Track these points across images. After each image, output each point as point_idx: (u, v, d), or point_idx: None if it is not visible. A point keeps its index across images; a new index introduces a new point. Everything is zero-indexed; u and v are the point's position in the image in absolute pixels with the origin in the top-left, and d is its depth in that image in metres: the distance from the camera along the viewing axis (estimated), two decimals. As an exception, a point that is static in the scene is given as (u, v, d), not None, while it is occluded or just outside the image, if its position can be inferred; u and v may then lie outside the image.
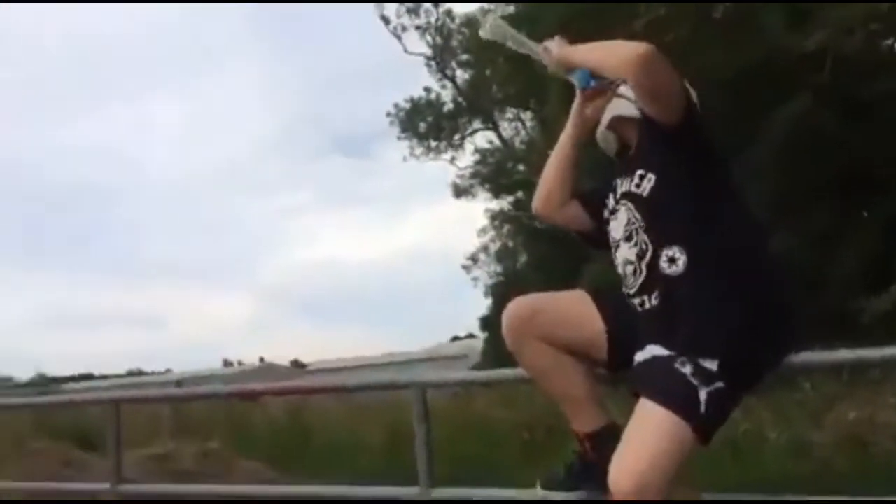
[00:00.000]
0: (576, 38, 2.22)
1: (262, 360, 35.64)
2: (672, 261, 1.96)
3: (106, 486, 3.07)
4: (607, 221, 2.17)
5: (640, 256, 2.02)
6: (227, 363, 38.00)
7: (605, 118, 2.18)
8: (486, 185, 22.73)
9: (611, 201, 2.17)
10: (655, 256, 1.98)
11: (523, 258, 20.55)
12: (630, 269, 2.06)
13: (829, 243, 8.35)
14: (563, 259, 11.64)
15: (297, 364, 35.78)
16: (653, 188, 2.00)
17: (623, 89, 2.14)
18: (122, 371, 42.82)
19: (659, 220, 1.99)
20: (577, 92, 2.17)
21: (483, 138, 24.35)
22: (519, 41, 2.27)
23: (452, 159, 25.06)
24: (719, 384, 1.88)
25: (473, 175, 23.77)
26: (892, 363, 2.05)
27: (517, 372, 2.46)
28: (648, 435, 1.87)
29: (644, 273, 2.01)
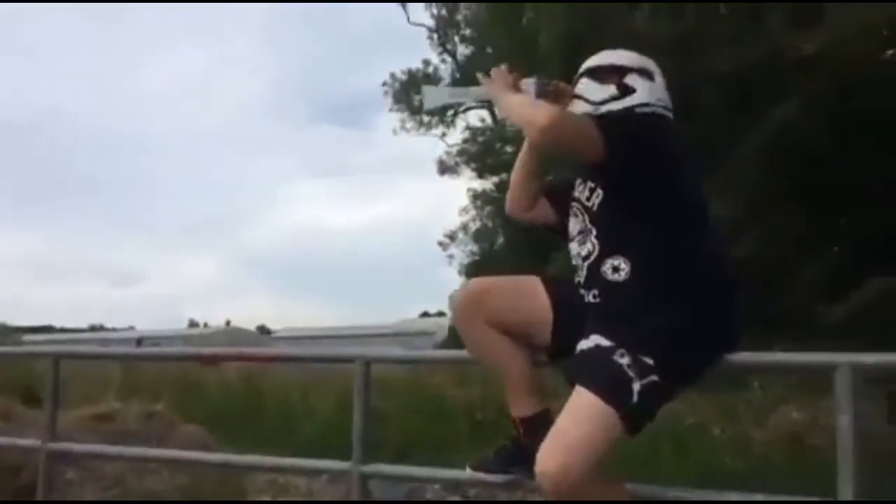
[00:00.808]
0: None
1: (228, 323, 35.61)
2: (616, 269, 2.05)
3: (37, 442, 3.03)
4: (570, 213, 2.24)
5: (587, 257, 2.11)
6: (192, 324, 37.89)
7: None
8: (472, 165, 22.64)
9: (574, 194, 2.23)
10: (600, 261, 2.08)
11: (500, 240, 20.56)
12: (579, 263, 2.15)
13: (799, 248, 8.45)
14: (537, 244, 11.69)
15: (263, 330, 35.79)
16: (600, 203, 2.11)
17: (581, 88, 2.19)
18: (84, 325, 42.53)
19: (606, 231, 2.08)
20: (533, 99, 2.19)
21: (476, 116, 24.20)
22: (461, 93, 2.35)
23: (443, 135, 24.93)
24: (653, 378, 1.93)
25: (460, 153, 23.66)
26: (826, 368, 2.10)
27: (463, 353, 2.49)
28: (577, 421, 1.91)
29: (586, 272, 2.11)
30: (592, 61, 2.24)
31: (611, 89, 2.15)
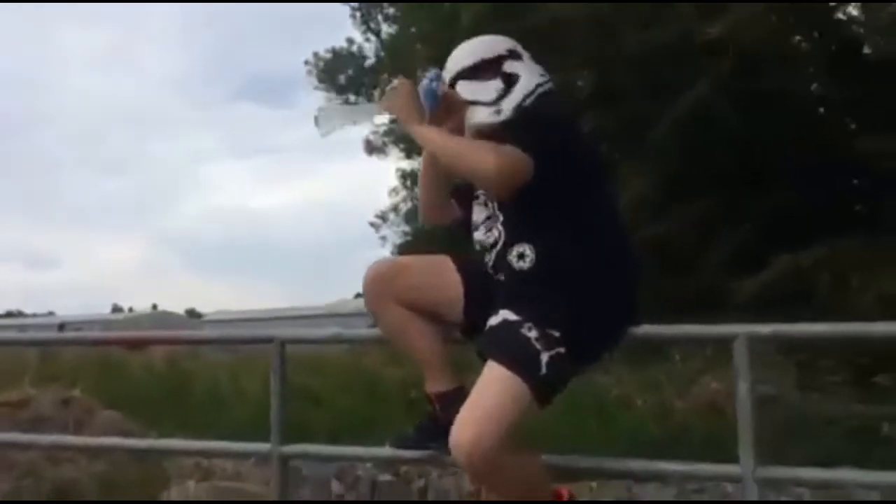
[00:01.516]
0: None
1: (154, 307, 34.63)
2: (521, 256, 2.10)
3: (-61, 430, 2.94)
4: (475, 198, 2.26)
5: (493, 245, 2.16)
6: (116, 308, 36.74)
7: (467, 129, 2.17)
8: (401, 145, 22.55)
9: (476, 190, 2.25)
10: (506, 249, 2.12)
11: (432, 219, 20.54)
12: (485, 248, 2.19)
13: (712, 227, 8.79)
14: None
15: (192, 314, 34.96)
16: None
17: (468, 92, 2.15)
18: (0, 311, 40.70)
19: (513, 219, 2.12)
20: (428, 116, 2.16)
21: (403, 96, 23.98)
22: (360, 113, 2.26)
23: (370, 115, 24.66)
24: (560, 350, 2.01)
25: (388, 133, 23.52)
26: (726, 339, 2.21)
27: (378, 332, 2.50)
28: (488, 393, 1.97)
29: (493, 259, 2.16)
30: (460, 63, 2.21)
31: (497, 83, 2.15)
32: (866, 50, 9.70)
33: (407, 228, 23.02)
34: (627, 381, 6.42)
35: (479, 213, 2.23)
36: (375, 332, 2.44)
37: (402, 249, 20.84)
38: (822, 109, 10.39)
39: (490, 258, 2.17)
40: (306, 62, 24.65)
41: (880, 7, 8.79)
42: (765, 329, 2.17)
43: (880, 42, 9.42)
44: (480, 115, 2.15)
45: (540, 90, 2.16)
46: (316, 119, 2.21)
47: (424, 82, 2.17)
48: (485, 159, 1.97)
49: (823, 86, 10.21)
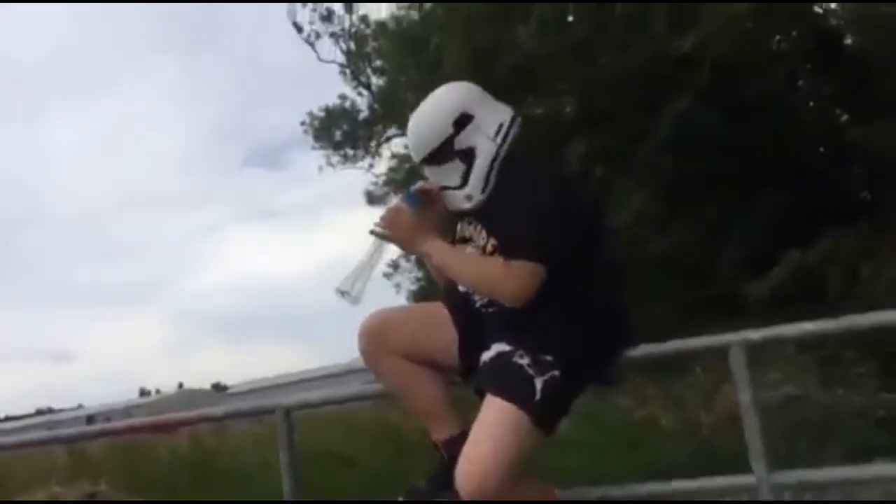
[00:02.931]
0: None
1: (181, 385, 34.57)
2: None
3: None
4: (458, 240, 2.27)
5: None
6: (143, 392, 36.70)
7: (450, 205, 2.21)
8: (401, 192, 22.71)
9: (461, 231, 2.26)
10: None
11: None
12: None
13: (718, 235, 8.78)
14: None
15: (218, 387, 34.83)
16: (495, 247, 2.13)
17: (437, 178, 2.18)
18: (31, 410, 40.72)
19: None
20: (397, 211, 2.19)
21: (400, 144, 24.32)
22: (367, 265, 2.23)
23: (370, 167, 24.89)
24: (555, 372, 2.01)
25: (388, 182, 23.70)
26: (721, 349, 2.21)
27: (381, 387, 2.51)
28: (488, 429, 1.97)
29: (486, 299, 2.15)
30: (419, 150, 2.21)
31: (456, 164, 2.15)
32: (847, 41, 9.79)
33: (420, 274, 23.02)
34: (651, 399, 6.35)
35: None
36: (370, 388, 2.44)
37: (418, 296, 20.82)
38: (811, 104, 10.44)
39: (482, 299, 2.17)
40: (302, 123, 25.00)
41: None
42: (755, 335, 2.17)
43: (859, 32, 9.52)
44: (456, 202, 2.18)
45: (500, 154, 2.15)
46: (341, 293, 2.22)
47: (404, 196, 2.21)
48: (505, 287, 2.02)
49: (809, 81, 10.28)
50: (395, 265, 23.92)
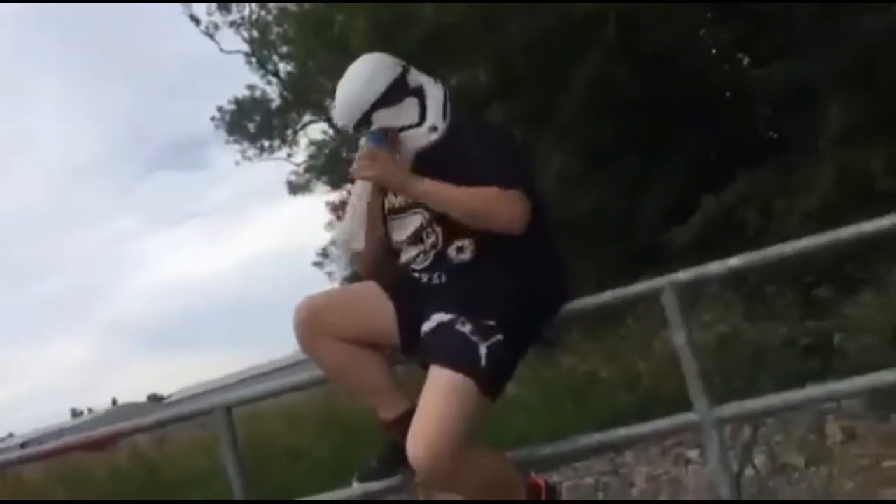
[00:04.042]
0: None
1: (114, 401, 33.45)
2: (461, 250, 2.09)
3: None
4: (388, 213, 2.22)
5: (431, 248, 2.13)
6: (75, 413, 35.27)
7: (406, 154, 2.15)
8: (323, 178, 22.38)
9: (395, 200, 2.21)
10: (445, 247, 2.11)
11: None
12: (417, 256, 2.15)
13: (638, 188, 9.00)
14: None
15: (154, 398, 33.85)
16: None
17: (391, 119, 2.13)
18: (-41, 443, 38.67)
19: (457, 224, 2.08)
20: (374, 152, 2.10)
21: (317, 130, 23.91)
22: (359, 214, 2.15)
23: (289, 156, 24.42)
24: (498, 337, 1.99)
25: (308, 169, 23.33)
26: (653, 294, 2.23)
27: (319, 375, 2.46)
28: (435, 400, 1.94)
29: (432, 259, 2.13)
30: (371, 93, 2.16)
31: (412, 101, 2.14)
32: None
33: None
34: (590, 354, 6.48)
35: (402, 231, 2.19)
36: (307, 378, 2.39)
37: (352, 281, 20.65)
38: (714, 51, 10.74)
39: (426, 261, 2.14)
40: (212, 118, 24.26)
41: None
42: (685, 275, 2.21)
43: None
44: (419, 140, 2.13)
45: (446, 92, 2.18)
46: (342, 245, 2.23)
47: (370, 139, 2.13)
48: (503, 214, 2.01)
49: (709, 29, 10.56)
50: (324, 253, 23.68)
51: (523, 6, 8.85)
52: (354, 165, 2.13)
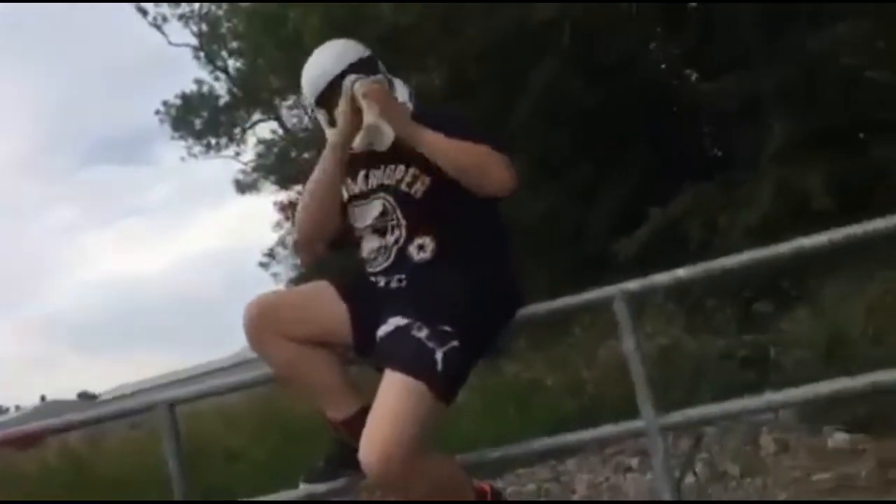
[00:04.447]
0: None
1: (43, 398, 32.29)
2: (422, 248, 2.07)
3: None
4: (348, 200, 2.19)
5: (394, 243, 2.10)
6: (1, 410, 33.91)
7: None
8: (272, 178, 22.09)
9: (357, 187, 2.17)
10: (407, 245, 2.08)
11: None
12: (378, 252, 2.12)
13: (588, 197, 9.13)
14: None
15: (86, 396, 32.81)
16: (426, 191, 2.09)
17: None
18: None
19: (420, 216, 2.07)
20: (349, 104, 2.06)
21: (266, 129, 23.56)
22: (376, 118, 2.04)
23: (236, 154, 24.01)
24: (454, 343, 1.97)
25: (257, 168, 22.98)
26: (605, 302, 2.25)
27: (265, 373, 2.41)
28: (390, 404, 1.91)
29: (393, 257, 2.10)
30: (347, 57, 2.16)
31: (382, 78, 2.16)
32: (692, 3, 10.33)
33: (298, 261, 22.56)
34: (535, 362, 6.52)
35: (364, 215, 2.16)
36: (252, 376, 2.34)
37: (298, 283, 20.41)
38: (663, 66, 10.97)
39: (388, 260, 2.11)
40: (157, 112, 23.66)
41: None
42: (634, 284, 2.23)
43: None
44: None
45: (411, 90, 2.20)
46: (369, 136, 2.06)
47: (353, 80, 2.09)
48: (495, 172, 2.02)
49: (660, 43, 10.79)
50: (270, 254, 23.35)
51: (480, 10, 8.90)
52: (359, 87, 2.04)
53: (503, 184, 2.02)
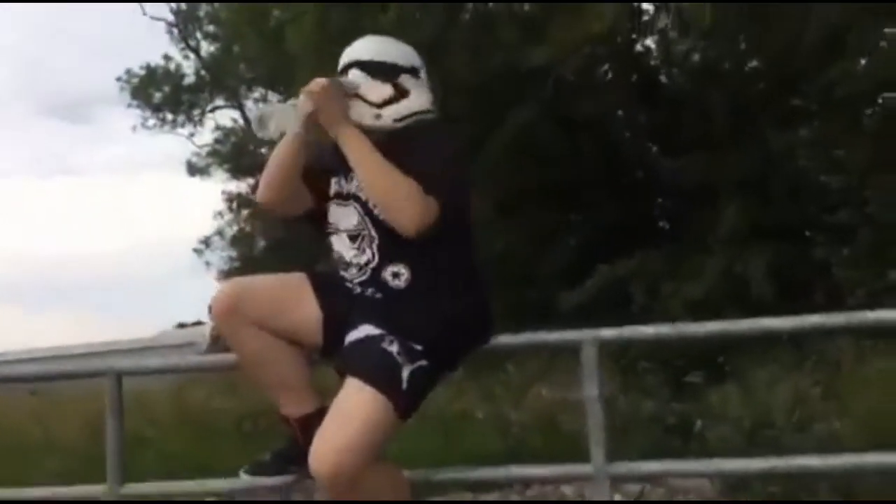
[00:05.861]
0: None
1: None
2: (396, 276, 2.06)
3: None
4: (329, 196, 2.18)
5: (367, 263, 2.08)
6: None
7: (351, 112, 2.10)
8: (225, 166, 21.73)
9: (339, 186, 2.16)
10: (381, 268, 2.06)
11: (261, 244, 20.02)
12: (351, 264, 2.10)
13: (542, 243, 9.30)
14: (301, 245, 11.58)
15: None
16: None
17: (354, 83, 2.11)
18: None
19: (392, 240, 2.04)
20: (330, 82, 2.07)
21: (226, 116, 23.20)
22: (292, 113, 2.06)
23: (191, 135, 23.55)
24: (422, 362, 1.99)
25: (211, 153, 22.57)
26: (574, 345, 2.33)
27: (226, 359, 2.38)
28: (348, 413, 1.90)
29: (368, 275, 2.08)
30: (364, 53, 2.16)
31: (387, 90, 2.11)
32: (664, 80, 10.76)
33: (233, 253, 22.12)
34: (467, 392, 6.54)
35: (341, 218, 2.14)
36: (213, 359, 2.31)
37: (228, 276, 19.99)
38: (627, 134, 11.35)
39: (362, 276, 2.09)
40: (118, 78, 23.06)
41: (673, 42, 9.82)
42: (608, 333, 2.30)
43: (674, 73, 10.52)
44: (361, 114, 2.09)
45: (429, 117, 2.16)
46: (258, 120, 2.09)
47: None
48: (409, 211, 1.96)
49: (627, 112, 11.17)
50: (206, 242, 22.84)
51: (474, 52, 9.05)
52: (313, 84, 2.06)
53: (408, 223, 1.97)
